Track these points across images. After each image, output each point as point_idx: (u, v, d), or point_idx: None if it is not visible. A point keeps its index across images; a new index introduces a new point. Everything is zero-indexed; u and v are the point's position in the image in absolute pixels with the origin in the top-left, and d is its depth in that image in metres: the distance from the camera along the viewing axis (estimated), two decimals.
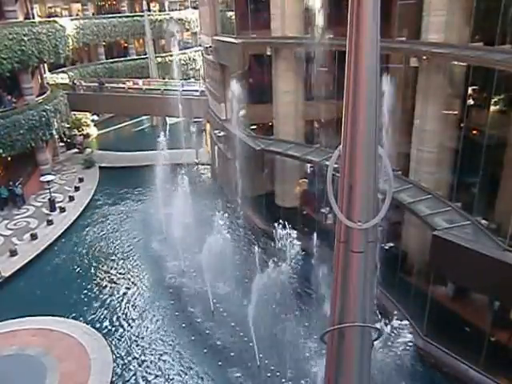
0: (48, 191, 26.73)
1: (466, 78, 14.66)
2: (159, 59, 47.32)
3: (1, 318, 17.10)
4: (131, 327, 17.28)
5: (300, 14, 20.76)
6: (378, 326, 6.51)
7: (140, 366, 15.43)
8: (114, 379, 14.72)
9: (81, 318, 17.62)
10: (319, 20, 17.75)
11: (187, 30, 54.06)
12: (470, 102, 15.25)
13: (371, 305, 5.07)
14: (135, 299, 18.98)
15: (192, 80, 46.13)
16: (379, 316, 13.37)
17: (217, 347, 15.73)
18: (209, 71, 30.38)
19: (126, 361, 15.65)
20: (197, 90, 34.50)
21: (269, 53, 21.61)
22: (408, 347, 13.20)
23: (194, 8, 49.86)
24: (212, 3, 26.17)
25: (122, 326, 17.35)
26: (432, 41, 15.03)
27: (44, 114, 28.58)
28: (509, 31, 13.42)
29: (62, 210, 26.58)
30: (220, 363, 15.09)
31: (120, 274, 20.86)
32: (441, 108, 15.41)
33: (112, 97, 36.21)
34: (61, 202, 27.61)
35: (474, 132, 15.23)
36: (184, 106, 31.24)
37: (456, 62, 14.68)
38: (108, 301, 18.91)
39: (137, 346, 16.33)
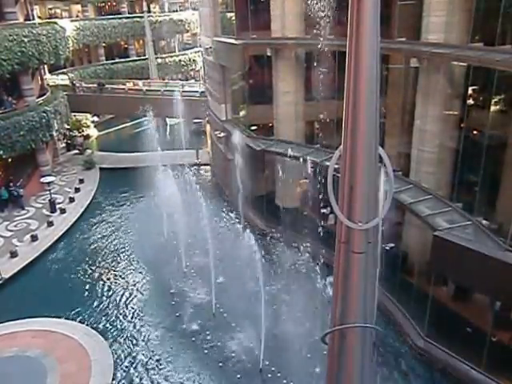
0: (48, 192, 26.72)
1: (466, 79, 14.65)
2: (159, 60, 47.37)
3: (1, 319, 17.07)
4: (132, 328, 17.25)
5: (300, 14, 20.76)
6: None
7: (141, 367, 15.40)
8: (114, 381, 14.68)
9: (81, 320, 17.58)
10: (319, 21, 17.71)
11: (187, 31, 54.12)
12: (471, 102, 15.25)
13: (372, 305, 5.05)
14: (136, 300, 18.93)
15: (192, 81, 46.20)
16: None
17: None
18: (209, 72, 30.39)
19: (127, 362, 15.60)
20: (197, 91, 34.52)
21: (269, 53, 21.61)
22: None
23: (194, 9, 49.91)
24: (212, 4, 26.18)
25: (123, 328, 17.31)
26: (432, 41, 15.03)
27: (44, 115, 28.56)
28: (509, 31, 13.41)
29: (63, 211, 26.57)
30: None
31: (120, 275, 20.82)
32: (441, 108, 15.40)
33: (112, 98, 36.21)
34: (61, 203, 27.59)
35: (475, 132, 15.22)
36: (184, 106, 31.23)
37: (456, 63, 14.68)
38: (109, 302, 18.85)
39: (138, 347, 16.29)
